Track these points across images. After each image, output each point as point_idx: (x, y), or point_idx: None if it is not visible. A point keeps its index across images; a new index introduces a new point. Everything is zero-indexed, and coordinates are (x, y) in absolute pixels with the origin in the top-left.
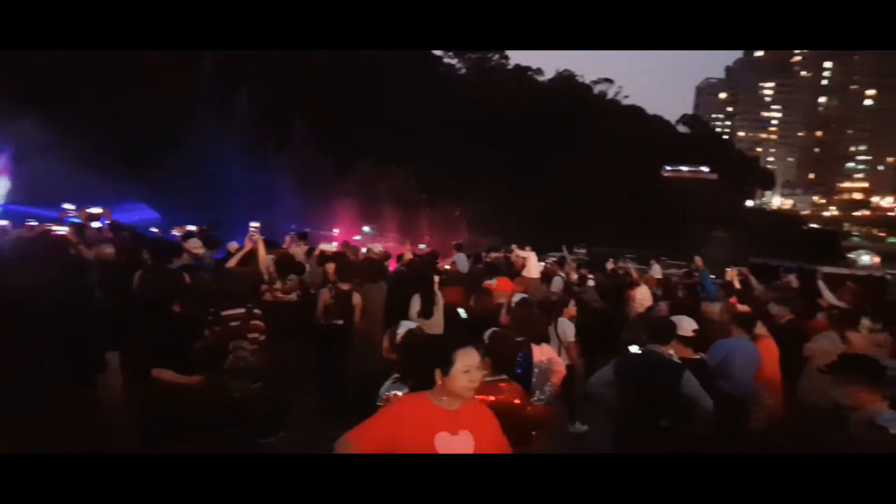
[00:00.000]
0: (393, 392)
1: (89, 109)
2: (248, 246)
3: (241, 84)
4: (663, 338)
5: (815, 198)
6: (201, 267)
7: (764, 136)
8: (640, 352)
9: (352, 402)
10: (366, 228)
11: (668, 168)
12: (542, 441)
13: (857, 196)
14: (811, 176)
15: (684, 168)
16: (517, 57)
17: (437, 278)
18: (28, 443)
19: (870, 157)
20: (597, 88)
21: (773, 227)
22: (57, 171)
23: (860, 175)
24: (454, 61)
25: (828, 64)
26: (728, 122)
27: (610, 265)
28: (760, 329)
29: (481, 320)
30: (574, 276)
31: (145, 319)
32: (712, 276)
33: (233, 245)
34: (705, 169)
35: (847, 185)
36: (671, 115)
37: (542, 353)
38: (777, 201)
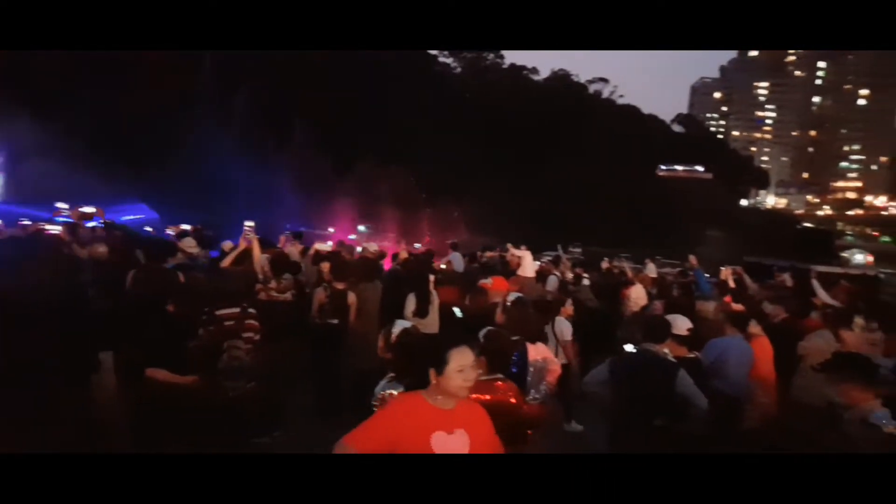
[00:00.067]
0: (388, 391)
1: (88, 109)
2: (242, 245)
3: (239, 84)
4: (658, 336)
5: (809, 197)
6: (196, 266)
7: (758, 135)
8: (634, 351)
9: (347, 402)
10: (361, 227)
11: (664, 167)
12: (537, 440)
13: (851, 195)
14: (805, 175)
15: (679, 167)
16: (512, 56)
17: (432, 277)
18: (22, 443)
19: (863, 157)
20: (592, 88)
21: (767, 226)
22: (54, 171)
23: (854, 174)
24: (450, 60)
25: (822, 64)
26: (723, 122)
27: (605, 264)
28: (755, 328)
29: (477, 319)
30: (569, 276)
31: (139, 319)
32: (707, 275)
33: (227, 244)
34: (700, 168)
35: (841, 184)
36: (666, 115)
37: (537, 352)
38: (771, 200)
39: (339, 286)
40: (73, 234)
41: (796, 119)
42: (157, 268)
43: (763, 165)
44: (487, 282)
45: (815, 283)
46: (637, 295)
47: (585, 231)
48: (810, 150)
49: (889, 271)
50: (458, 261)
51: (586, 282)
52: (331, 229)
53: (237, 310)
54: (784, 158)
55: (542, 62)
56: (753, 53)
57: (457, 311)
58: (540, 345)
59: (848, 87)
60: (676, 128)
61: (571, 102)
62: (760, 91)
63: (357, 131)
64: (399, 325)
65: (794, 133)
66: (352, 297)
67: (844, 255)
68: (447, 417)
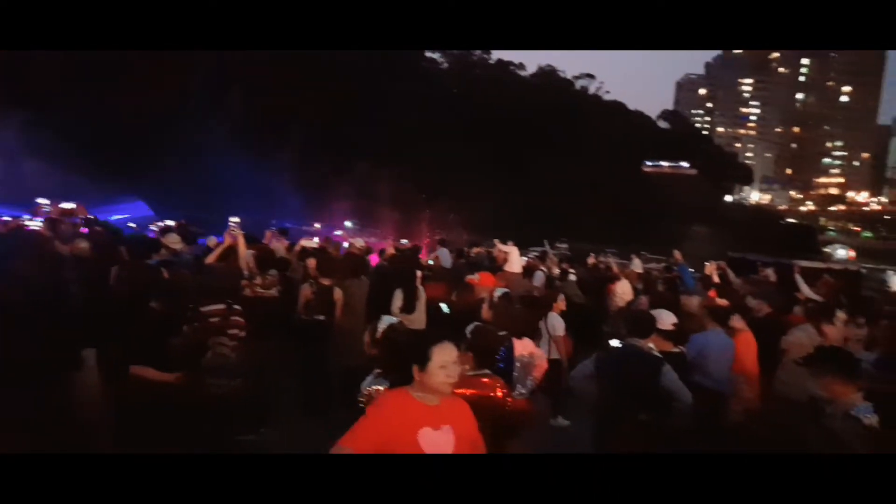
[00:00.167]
0: (374, 387)
1: (84, 107)
2: (227, 241)
3: (232, 82)
4: (643, 331)
5: (793, 193)
6: (180, 262)
7: (743, 131)
8: (620, 345)
9: (333, 398)
10: (348, 223)
11: (649, 163)
12: (523, 435)
13: (833, 191)
14: (789, 171)
15: (665, 163)
16: (499, 52)
17: (419, 273)
18: (2, 442)
19: (846, 153)
20: (578, 84)
21: (751, 222)
22: (45, 170)
23: (836, 171)
24: (437, 56)
25: (805, 61)
26: (708, 118)
27: (591, 260)
28: (739, 322)
29: (464, 315)
30: (556, 271)
31: (123, 316)
32: (692, 270)
33: (212, 240)
34: (685, 164)
35: (823, 180)
36: (652, 111)
37: (523, 347)
38: (755, 196)
39: (326, 282)
40: (53, 230)
41: (780, 116)
42: (140, 264)
43: (747, 161)
44: (474, 277)
45: (798, 278)
46: (623, 290)
47: (572, 227)
48: (794, 146)
49: (871, 266)
50: (445, 257)
51: (573, 277)
52: (317, 225)
53: (222, 306)
54: (768, 155)
55: (529, 58)
56: (738, 51)
57: (444, 306)
58: (526, 340)
59: (830, 84)
60: (662, 124)
61: (558, 98)
62: (745, 88)
63: (344, 127)
64: (385, 321)
65: (777, 130)
66: (338, 294)
67: (827, 250)
68: (433, 414)
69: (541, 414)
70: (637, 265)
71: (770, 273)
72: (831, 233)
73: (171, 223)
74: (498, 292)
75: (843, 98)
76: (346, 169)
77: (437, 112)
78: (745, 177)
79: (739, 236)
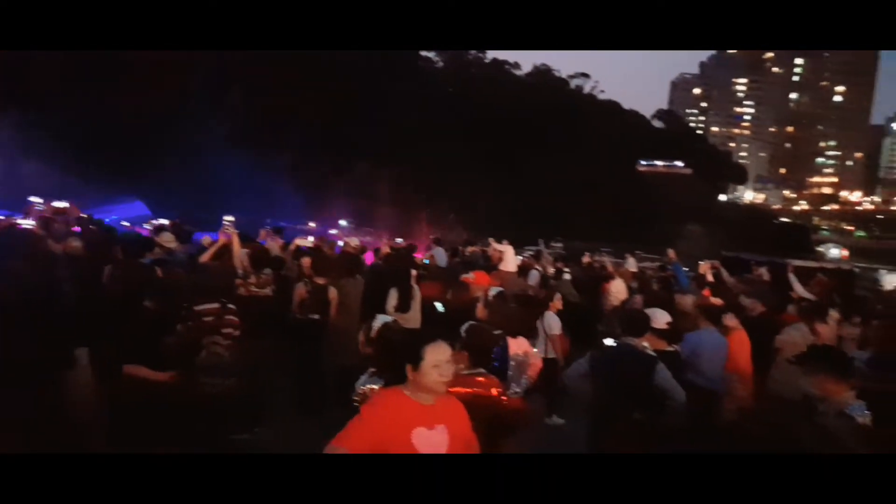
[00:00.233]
0: (369, 386)
1: (83, 107)
2: (221, 240)
3: (228, 81)
4: (637, 330)
5: (786, 192)
6: (174, 261)
7: (737, 131)
8: (614, 344)
9: (327, 397)
10: (342, 222)
11: (644, 163)
12: (517, 434)
13: (827, 191)
14: (782, 171)
15: (659, 163)
16: (495, 51)
17: (414, 272)
18: None
19: (839, 153)
20: (573, 83)
21: (745, 221)
22: (45, 170)
23: (830, 170)
24: (432, 54)
25: (799, 61)
26: (702, 118)
27: (586, 259)
28: (732, 321)
29: (459, 314)
30: (551, 270)
31: (116, 315)
32: (686, 269)
33: (206, 239)
34: (680, 164)
35: (817, 179)
36: (647, 110)
37: (518, 346)
38: (749, 196)
39: (320, 281)
40: (46, 228)
41: (774, 115)
42: (134, 263)
43: (741, 161)
44: (469, 276)
45: (792, 277)
46: (617, 289)
47: (567, 225)
48: (787, 146)
49: (864, 265)
50: (440, 256)
51: (567, 276)
52: (312, 224)
53: (216, 305)
54: (762, 154)
55: (524, 57)
56: (732, 51)
57: (438, 305)
58: (521, 339)
59: (824, 84)
60: (656, 123)
61: (553, 98)
62: (739, 87)
63: (340, 127)
64: (380, 320)
65: (771, 129)
66: (333, 293)
67: (820, 249)
68: (428, 413)
69: (535, 413)
70: (632, 264)
71: (764, 272)
72: (825, 232)
73: (164, 222)
74: (493, 291)
75: (837, 98)
76: (343, 168)
77: (433, 111)
78: (739, 176)
79: (733, 235)
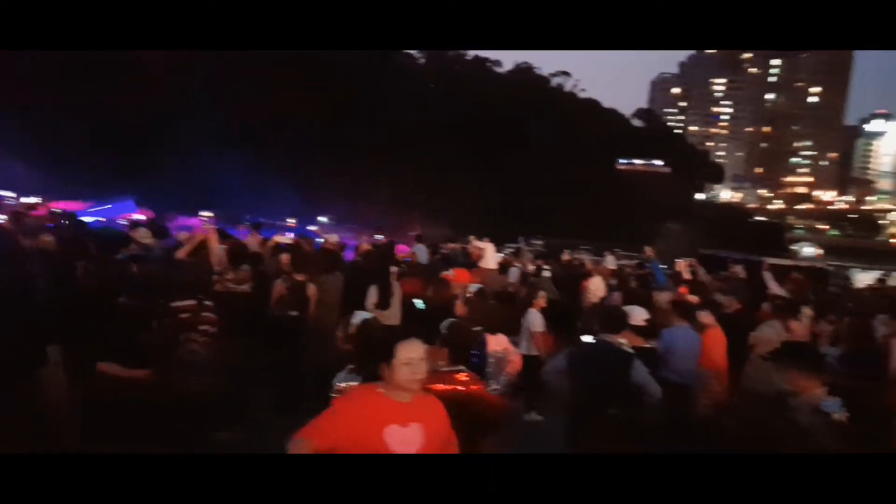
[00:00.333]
0: (347, 383)
1: (77, 105)
2: (199, 236)
3: (217, 80)
4: (615, 327)
5: (762, 191)
6: (150, 257)
7: (714, 130)
8: (592, 341)
9: (306, 394)
10: (322, 219)
11: (623, 161)
12: (496, 430)
13: (801, 190)
14: (759, 170)
15: (638, 161)
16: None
17: (394, 269)
18: None
19: (814, 153)
20: (554, 81)
21: (722, 220)
22: (42, 168)
23: (804, 170)
24: (414, 51)
25: (775, 62)
26: (681, 117)
27: (565, 256)
28: (708, 318)
29: (439, 311)
30: (530, 267)
31: (89, 311)
32: (663, 267)
33: (183, 234)
34: (658, 162)
35: (792, 179)
36: (626, 109)
37: (497, 342)
38: (726, 194)
39: (299, 278)
40: (17, 223)
41: (750, 115)
42: (108, 259)
43: (719, 160)
44: (450, 273)
45: (767, 275)
46: (596, 286)
47: (547, 223)
48: (764, 145)
49: (837, 263)
50: (422, 253)
51: (547, 273)
52: (291, 220)
53: (193, 302)
54: (739, 154)
55: (506, 55)
56: (711, 50)
57: (418, 302)
58: (500, 335)
59: (800, 84)
60: (636, 122)
61: (533, 96)
62: (717, 87)
63: (321, 123)
64: (359, 317)
65: (748, 129)
66: (312, 289)
67: (794, 247)
68: (402, 410)
69: (514, 409)
70: (610, 262)
71: (739, 270)
72: (799, 231)
73: (141, 217)
74: (472, 288)
75: (812, 99)
76: (323, 164)
77: (414, 108)
78: (716, 175)
79: (710, 233)
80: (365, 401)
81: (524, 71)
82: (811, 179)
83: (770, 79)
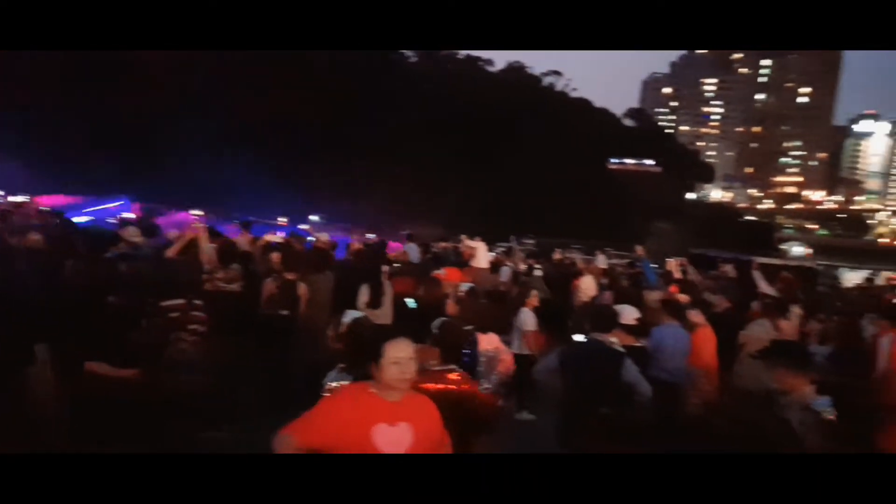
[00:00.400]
0: (337, 382)
1: (80, 105)
2: (188, 234)
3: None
4: (605, 326)
5: (752, 191)
6: (139, 256)
7: (705, 130)
8: (583, 340)
9: (296, 394)
10: (313, 217)
11: (614, 161)
12: (488, 429)
13: (791, 190)
14: (749, 170)
15: (629, 161)
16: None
17: (385, 268)
18: None
19: (804, 153)
20: (546, 81)
21: (712, 219)
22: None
23: (794, 170)
24: (405, 51)
25: (765, 62)
26: (672, 117)
27: (557, 255)
28: (698, 317)
29: (430, 310)
30: (522, 267)
31: (77, 310)
32: (654, 266)
33: (173, 233)
34: (650, 162)
35: (781, 179)
36: (618, 109)
37: (488, 341)
38: (716, 194)
39: (290, 277)
40: (3, 221)
41: (741, 115)
42: (97, 258)
43: (709, 160)
44: (441, 273)
45: (757, 274)
46: (587, 286)
47: (538, 222)
48: (754, 145)
49: (825, 263)
50: (413, 252)
51: (538, 272)
52: (282, 219)
53: (182, 301)
54: (729, 153)
55: (498, 54)
56: (701, 50)
57: (410, 301)
58: (491, 335)
59: (790, 85)
60: (627, 122)
61: (525, 95)
62: (707, 87)
63: (310, 123)
64: (350, 316)
65: (738, 129)
66: (302, 288)
67: (784, 247)
68: (391, 409)
69: (506, 408)
70: (601, 261)
71: (730, 269)
72: (788, 230)
73: (130, 215)
74: (463, 287)
75: (802, 99)
76: (314, 162)
77: (405, 108)
78: (706, 175)
79: (701, 233)
80: (354, 399)
81: (516, 70)
82: (800, 179)
83: (760, 79)
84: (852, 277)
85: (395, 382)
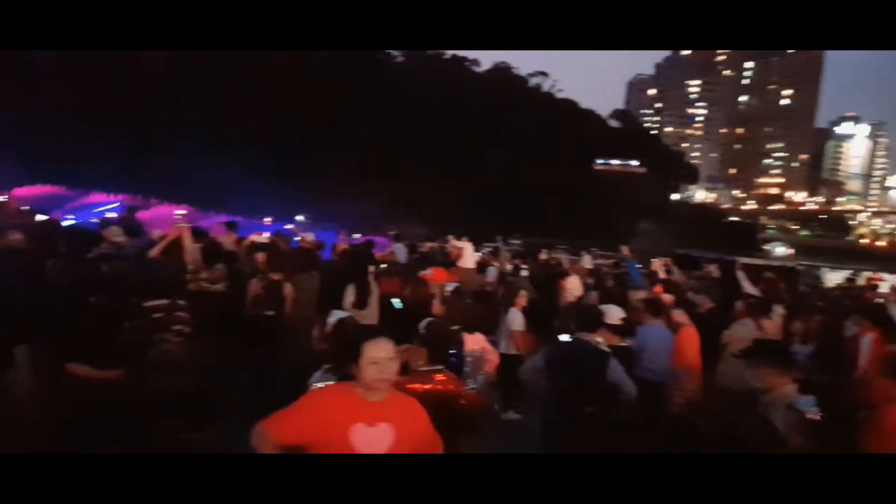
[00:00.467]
0: (323, 383)
1: (76, 104)
2: (172, 234)
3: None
4: (591, 326)
5: (736, 192)
6: (122, 256)
7: (689, 131)
8: (569, 340)
9: (281, 395)
10: (299, 217)
11: (600, 161)
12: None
13: (774, 191)
14: (732, 171)
15: (615, 162)
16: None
17: (371, 268)
18: None
19: (786, 154)
20: (532, 81)
21: (696, 220)
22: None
23: (777, 171)
24: (391, 51)
25: (749, 64)
26: (657, 118)
27: (543, 255)
28: (682, 317)
29: (417, 310)
30: (508, 267)
31: (58, 311)
32: (639, 266)
33: (157, 233)
34: (635, 163)
35: (764, 180)
36: (603, 110)
37: (474, 341)
38: (700, 195)
39: (275, 277)
40: None
41: (724, 117)
42: (79, 258)
43: (693, 161)
44: (427, 273)
45: (740, 274)
46: (573, 286)
47: (525, 223)
48: (737, 147)
49: (807, 263)
50: (401, 252)
51: (525, 273)
52: (267, 219)
53: (166, 301)
54: (713, 155)
55: (484, 54)
56: (686, 52)
57: (396, 302)
58: (477, 335)
59: (772, 87)
60: (612, 123)
61: (511, 95)
62: (692, 89)
63: (297, 121)
64: (335, 316)
65: (722, 130)
66: (288, 288)
67: (767, 247)
68: (372, 410)
69: (492, 408)
70: (587, 261)
71: (713, 269)
72: (771, 231)
73: (113, 215)
74: (449, 287)
75: (785, 101)
76: (299, 161)
77: (392, 107)
78: (691, 176)
79: (685, 233)
80: (334, 397)
81: (502, 71)
82: (783, 180)
83: (743, 81)
84: (834, 278)
85: (374, 382)
